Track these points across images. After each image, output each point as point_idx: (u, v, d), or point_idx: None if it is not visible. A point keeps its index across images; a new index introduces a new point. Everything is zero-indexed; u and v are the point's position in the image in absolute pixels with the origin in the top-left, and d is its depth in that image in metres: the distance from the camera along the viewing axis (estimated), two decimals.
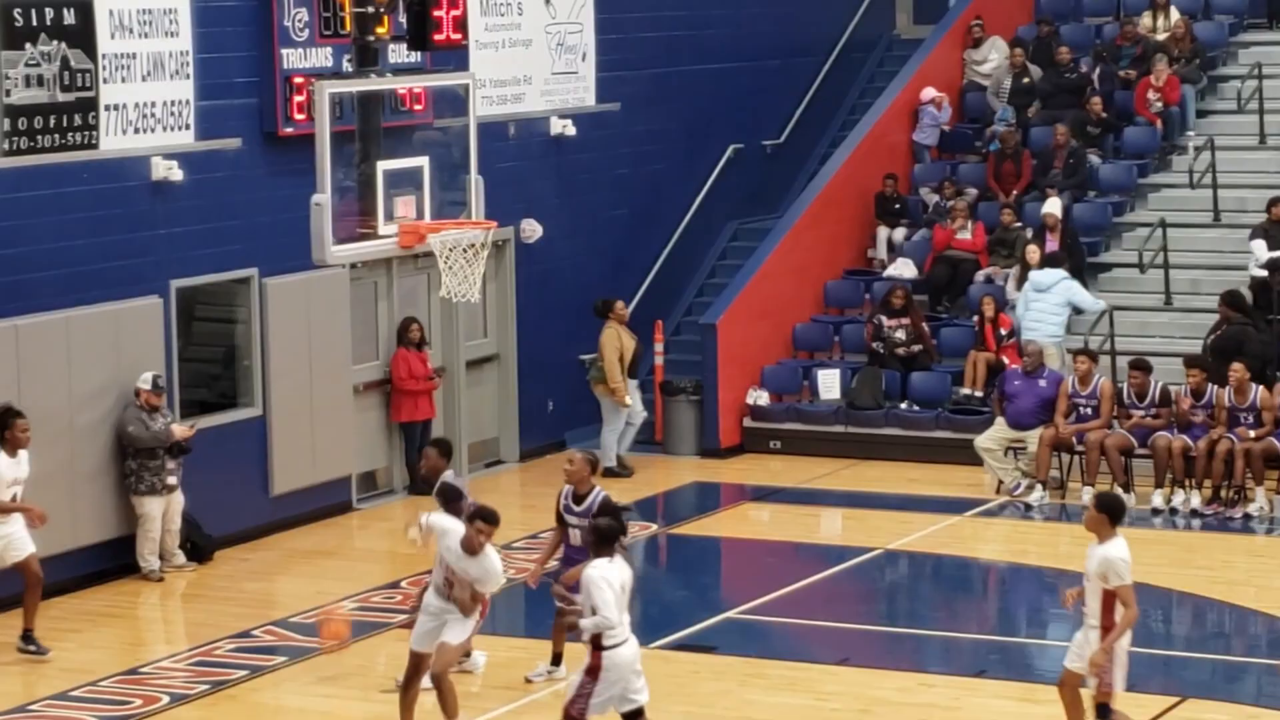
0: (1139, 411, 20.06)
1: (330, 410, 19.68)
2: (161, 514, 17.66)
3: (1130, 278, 23.06)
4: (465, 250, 16.27)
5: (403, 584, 17.07)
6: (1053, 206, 23.06)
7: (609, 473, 20.70)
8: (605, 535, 11.97)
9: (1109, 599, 12.04)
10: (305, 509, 19.52)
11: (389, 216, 15.92)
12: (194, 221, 18.35)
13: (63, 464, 16.61)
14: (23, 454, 15.55)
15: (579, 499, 13.96)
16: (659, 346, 23.16)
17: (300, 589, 17.30)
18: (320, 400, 19.55)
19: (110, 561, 17.53)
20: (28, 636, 15.44)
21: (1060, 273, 21.92)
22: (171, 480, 17.70)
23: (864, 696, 14.29)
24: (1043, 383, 20.45)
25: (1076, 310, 21.92)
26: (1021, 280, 22.51)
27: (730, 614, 16.56)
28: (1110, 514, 12.17)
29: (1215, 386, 19.73)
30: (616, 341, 21.57)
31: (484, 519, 12.71)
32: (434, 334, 21.27)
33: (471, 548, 12.77)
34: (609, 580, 11.80)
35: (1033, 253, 22.47)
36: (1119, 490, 19.70)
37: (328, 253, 15.33)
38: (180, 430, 17.78)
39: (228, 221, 18.69)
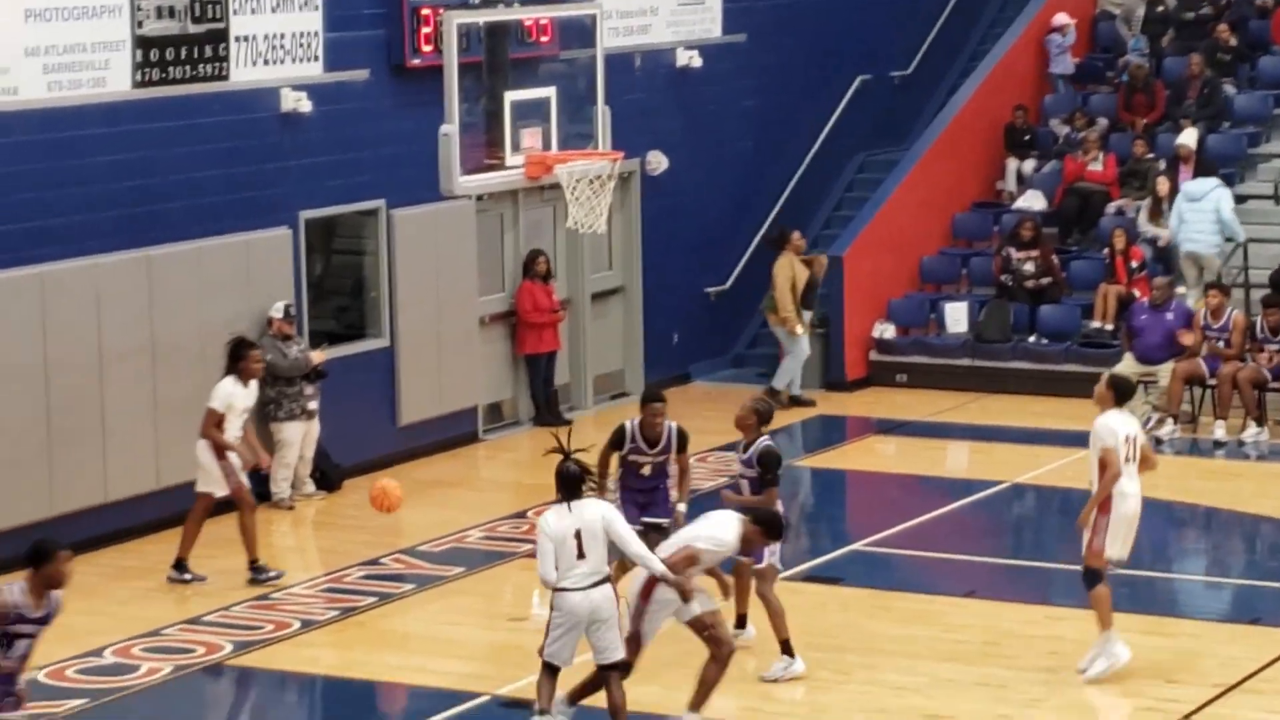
0: (1273, 346, 19.80)
1: (456, 341, 19.77)
2: (300, 440, 17.84)
3: (1265, 210, 22.71)
4: (591, 182, 16.30)
5: (529, 514, 17.15)
6: (1187, 138, 22.73)
7: (795, 401, 21.48)
8: (564, 479, 11.69)
9: (1101, 466, 12.80)
10: (432, 439, 19.63)
11: (515, 148, 15.97)
12: (322, 153, 18.44)
13: (195, 393, 16.78)
14: (253, 384, 15.68)
15: (745, 447, 13.53)
16: None
17: (427, 518, 17.41)
18: (447, 331, 19.64)
19: None
20: (181, 565, 15.63)
21: (1213, 181, 21.65)
22: (312, 405, 17.88)
23: (991, 629, 14.22)
24: (1170, 315, 20.20)
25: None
26: (1153, 212, 22.24)
27: (856, 546, 16.53)
28: (1117, 392, 12.94)
29: None
30: (789, 271, 21.53)
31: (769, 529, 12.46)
32: (559, 266, 21.29)
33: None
34: (549, 528, 11.59)
35: (1163, 184, 22.18)
36: (1258, 425, 19.54)
37: (455, 184, 15.41)
38: (317, 355, 17.96)
39: (355, 153, 18.77)
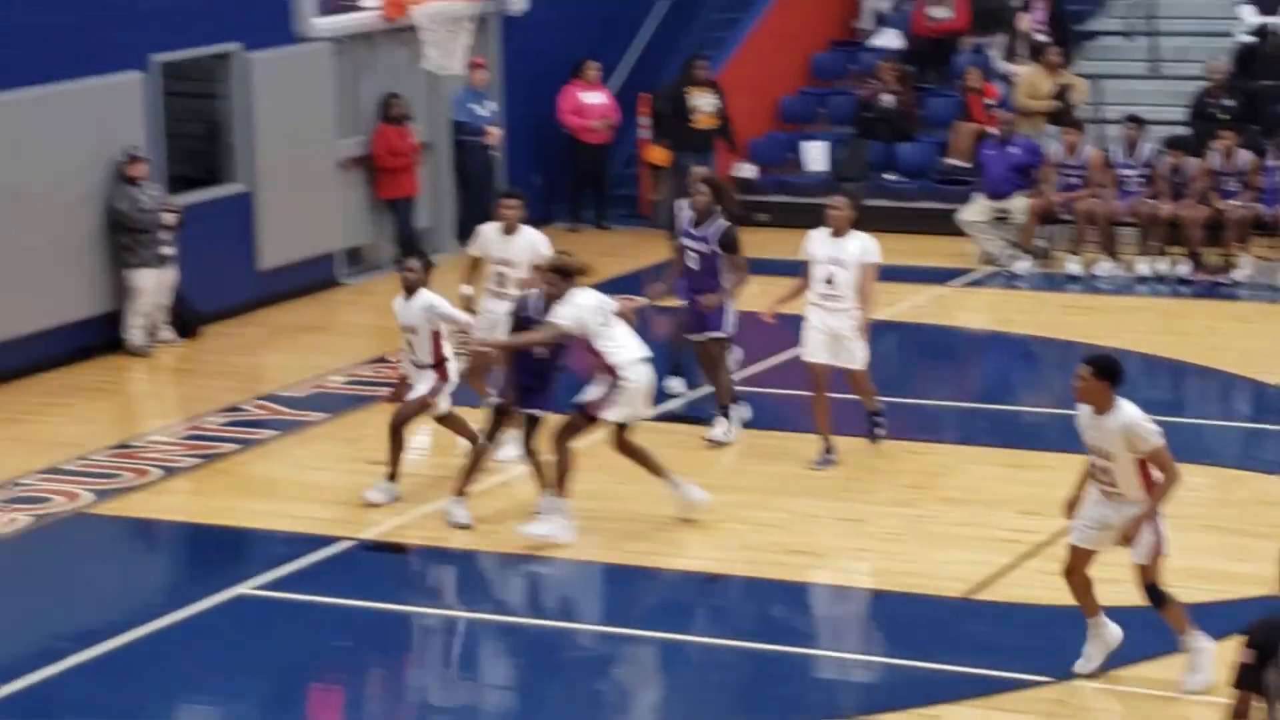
0: (1129, 170, 19.91)
1: (315, 186, 19.60)
2: (153, 288, 17.64)
3: (1117, 45, 22.86)
4: (449, 23, 16.16)
5: (388, 358, 17.11)
6: None
7: None
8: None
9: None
10: (292, 285, 19.52)
11: None
12: None
13: (47, 242, 16.54)
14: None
15: (698, 223, 14.78)
16: (643, 120, 22.98)
17: (289, 363, 17.35)
18: (305, 175, 19.46)
19: (95, 338, 17.52)
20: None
21: None
22: (165, 251, 17.65)
23: (849, 464, 14.38)
24: (1015, 149, 20.34)
25: None
26: (1010, 50, 22.32)
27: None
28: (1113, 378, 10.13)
29: (1192, 159, 19.64)
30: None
31: None
32: (419, 109, 21.08)
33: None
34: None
35: (1023, 20, 22.25)
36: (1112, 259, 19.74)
37: (310, 25, 15.27)
38: (168, 217, 17.66)
39: None
